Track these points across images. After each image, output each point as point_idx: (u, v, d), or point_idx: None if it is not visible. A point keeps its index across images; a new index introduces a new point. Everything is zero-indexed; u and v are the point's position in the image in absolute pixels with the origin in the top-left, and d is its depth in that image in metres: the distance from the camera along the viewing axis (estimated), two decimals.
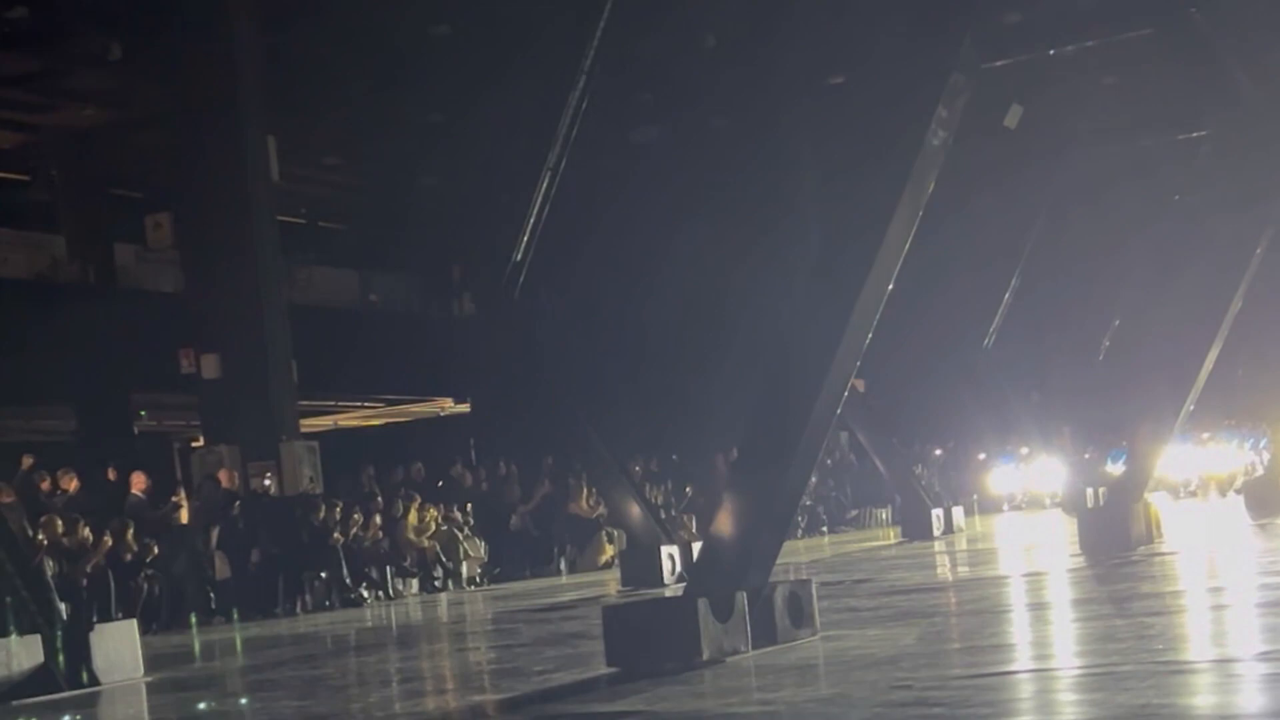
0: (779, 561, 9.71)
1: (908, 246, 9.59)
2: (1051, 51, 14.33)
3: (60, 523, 16.32)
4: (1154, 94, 22.85)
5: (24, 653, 10.48)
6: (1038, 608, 11.54)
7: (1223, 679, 6.97)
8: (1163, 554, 14.68)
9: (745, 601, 9.00)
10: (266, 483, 19.55)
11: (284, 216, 22.62)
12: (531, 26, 17.81)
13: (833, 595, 12.69)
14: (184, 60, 19.96)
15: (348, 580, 18.90)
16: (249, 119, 20.24)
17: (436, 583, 20.50)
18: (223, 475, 19.12)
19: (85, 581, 16.03)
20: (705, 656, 8.69)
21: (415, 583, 20.32)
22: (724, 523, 9.49)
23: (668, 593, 14.57)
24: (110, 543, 16.56)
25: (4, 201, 23.71)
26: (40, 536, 15.93)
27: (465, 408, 28.37)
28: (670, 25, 21.36)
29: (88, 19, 20.17)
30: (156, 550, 17.30)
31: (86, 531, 16.45)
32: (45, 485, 18.10)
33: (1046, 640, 9.47)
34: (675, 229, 27.15)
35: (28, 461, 18.52)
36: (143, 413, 23.97)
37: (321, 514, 19.00)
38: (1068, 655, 8.59)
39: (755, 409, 9.88)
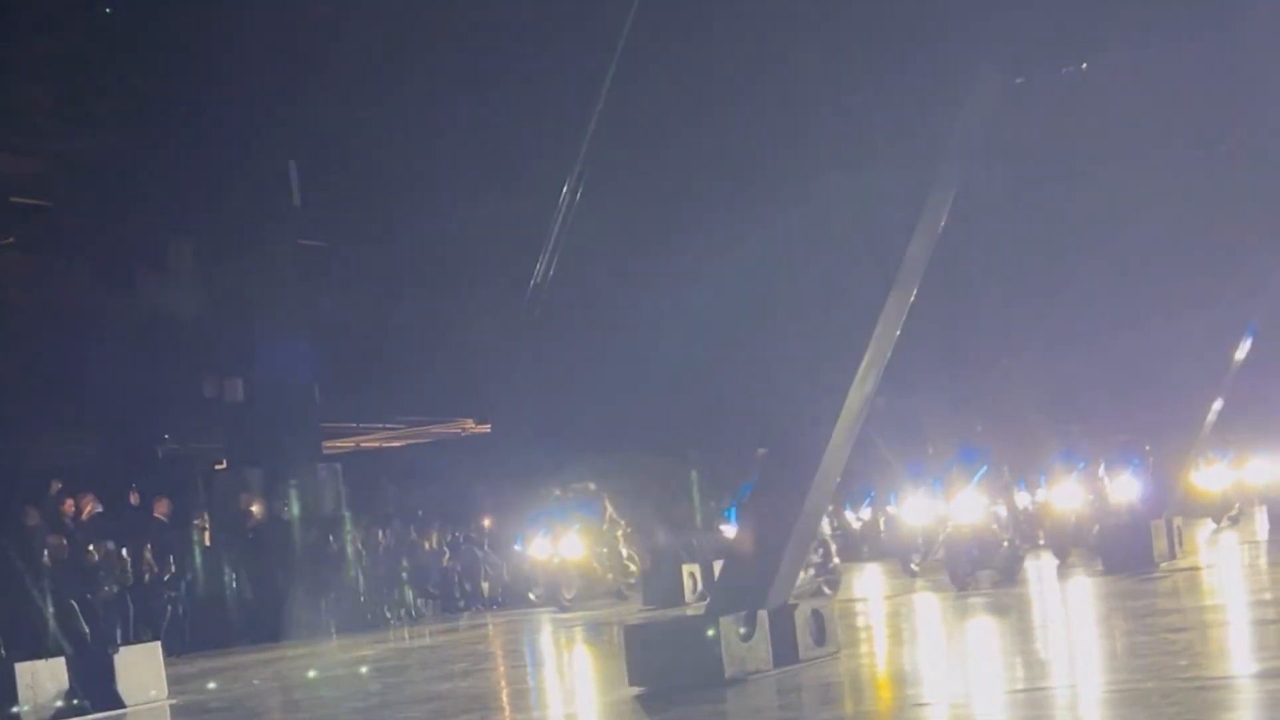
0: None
1: (927, 263, 9.61)
2: (1069, 70, 14.32)
3: (67, 544, 16.37)
4: (1176, 111, 22.73)
5: (49, 675, 10.53)
6: (1060, 624, 11.51)
7: (1246, 695, 6.94)
8: (1186, 570, 14.62)
9: (767, 620, 9.00)
10: (290, 504, 19.60)
11: (305, 240, 22.72)
12: (549, 49, 17.89)
13: (853, 613, 12.67)
14: (205, 86, 20.09)
15: (367, 600, 18.93)
16: (270, 144, 20.37)
17: (459, 603, 20.52)
18: (246, 498, 19.18)
19: (105, 604, 16.09)
20: (728, 675, 8.68)
21: (437, 603, 20.35)
22: (746, 542, 9.50)
23: (690, 611, 14.55)
24: (131, 565, 16.62)
25: (26, 228, 23.82)
26: (46, 558, 15.97)
27: (486, 428, 28.40)
28: (690, 45, 21.38)
29: (108, 46, 20.31)
30: (179, 572, 17.36)
31: (100, 554, 16.50)
32: (69, 508, 18.18)
33: (1069, 657, 9.43)
34: (694, 243, 27.12)
35: (56, 486, 18.61)
36: (166, 436, 24.07)
37: (343, 535, 19.05)
38: (1091, 672, 8.56)
39: (776, 429, 9.89)
